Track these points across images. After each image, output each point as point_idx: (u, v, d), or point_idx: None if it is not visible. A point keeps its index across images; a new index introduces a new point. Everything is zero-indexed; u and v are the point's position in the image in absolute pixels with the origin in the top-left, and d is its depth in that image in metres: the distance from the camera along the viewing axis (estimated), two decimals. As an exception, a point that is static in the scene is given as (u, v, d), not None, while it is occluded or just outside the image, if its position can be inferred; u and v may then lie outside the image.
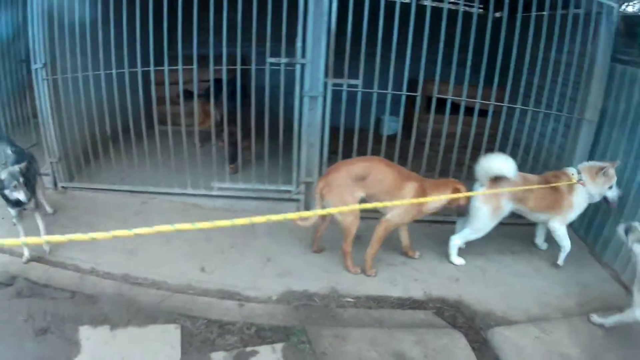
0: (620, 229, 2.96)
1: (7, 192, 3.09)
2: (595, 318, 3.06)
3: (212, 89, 4.39)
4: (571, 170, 3.53)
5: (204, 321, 2.80)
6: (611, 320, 2.96)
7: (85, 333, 2.63)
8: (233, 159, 4.38)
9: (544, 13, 3.85)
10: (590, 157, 4.07)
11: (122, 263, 3.29)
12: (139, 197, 4.14)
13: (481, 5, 4.39)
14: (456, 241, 3.62)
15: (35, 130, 4.57)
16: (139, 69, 4.00)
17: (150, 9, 3.72)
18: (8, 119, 5.09)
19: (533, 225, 3.89)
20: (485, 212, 3.43)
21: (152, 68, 3.90)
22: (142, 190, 4.14)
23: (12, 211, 3.23)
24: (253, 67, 3.82)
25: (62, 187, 4.20)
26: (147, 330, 2.70)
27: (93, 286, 3.09)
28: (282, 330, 2.80)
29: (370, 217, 3.53)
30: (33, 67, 4.01)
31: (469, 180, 3.72)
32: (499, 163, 3.28)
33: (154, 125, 4.14)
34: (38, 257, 3.36)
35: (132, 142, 4.15)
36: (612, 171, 3.41)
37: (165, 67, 3.87)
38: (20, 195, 3.07)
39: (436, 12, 3.73)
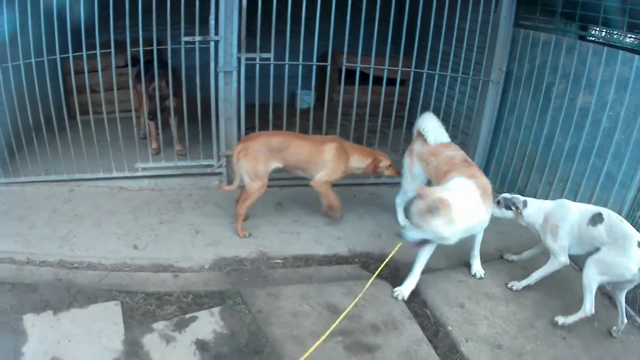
0: (499, 212, 3.18)
1: None
2: (508, 256, 3.52)
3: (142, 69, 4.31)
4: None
5: (142, 295, 2.95)
6: (524, 255, 3.43)
7: (30, 321, 2.66)
8: (153, 114, 4.35)
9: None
10: (499, 116, 4.48)
11: (56, 250, 3.36)
12: (66, 186, 4.17)
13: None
14: (398, 200, 3.92)
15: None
16: (58, 57, 3.93)
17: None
18: None
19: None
20: (405, 167, 3.74)
21: (70, 55, 3.86)
22: (68, 179, 4.15)
23: None
24: (169, 47, 3.88)
25: (-14, 183, 4.13)
26: (89, 310, 2.80)
27: (31, 275, 3.13)
28: (218, 295, 3.01)
29: (291, 184, 3.72)
30: None
31: (382, 147, 4.01)
32: (431, 126, 3.54)
33: (76, 115, 4.11)
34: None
35: (55, 133, 4.12)
36: None
37: (84, 53, 3.81)
38: None
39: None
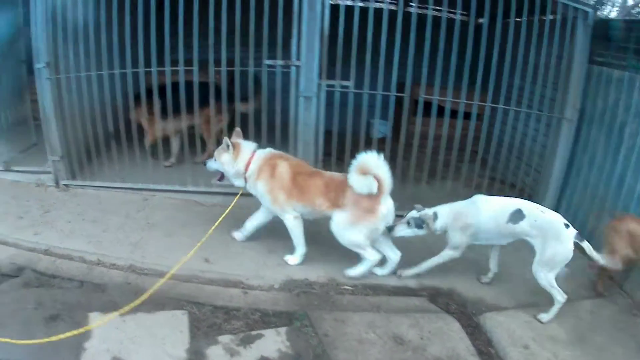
0: (403, 230, 3.24)
1: None
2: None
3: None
4: None
5: (210, 307, 2.94)
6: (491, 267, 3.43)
7: (96, 319, 2.70)
8: None
9: (523, 19, 4.07)
10: (572, 155, 4.32)
11: (127, 254, 3.41)
12: (140, 195, 4.28)
13: (464, 12, 4.62)
14: None
15: (35, 130, 4.66)
16: (141, 70, 4.13)
17: (153, 12, 3.86)
18: (8, 119, 5.15)
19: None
20: None
21: (153, 69, 4.05)
22: (143, 187, 4.28)
23: None
24: (251, 68, 4.00)
25: (64, 184, 4.31)
26: (156, 316, 2.81)
27: (101, 276, 3.19)
28: (285, 315, 2.96)
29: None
30: (36, 66, 4.08)
31: (455, 182, 3.90)
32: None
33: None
34: (44, 250, 3.45)
35: (133, 141, 4.27)
36: None
37: (167, 68, 4.00)
38: None
39: (422, 19, 3.94)
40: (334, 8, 3.81)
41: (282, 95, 4.05)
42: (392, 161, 4.01)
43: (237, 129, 3.53)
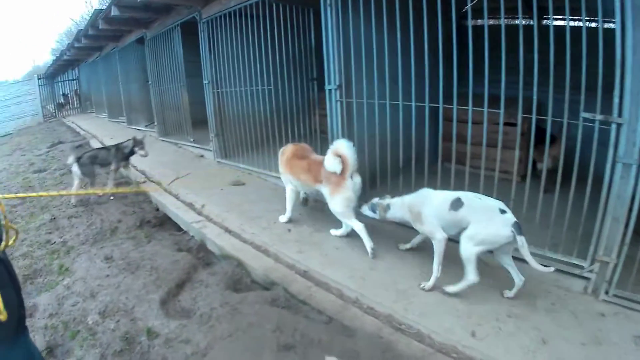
0: (366, 210, 3.54)
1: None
2: (402, 246, 3.65)
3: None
4: None
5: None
6: (414, 241, 3.60)
7: None
8: None
9: None
10: None
11: (390, 303, 2.92)
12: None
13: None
14: None
15: (322, 143, 4.74)
16: (426, 104, 3.79)
17: (440, 44, 3.48)
18: (297, 130, 5.58)
19: None
20: None
21: (440, 105, 3.65)
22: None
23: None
24: (565, 120, 3.12)
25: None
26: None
27: (353, 318, 2.80)
28: None
29: None
30: (327, 87, 4.21)
31: None
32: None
33: (437, 161, 3.83)
34: (303, 271, 3.29)
35: (411, 176, 3.91)
36: None
37: (454, 106, 3.53)
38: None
39: None
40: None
41: (586, 152, 3.05)
42: None
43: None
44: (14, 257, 3.96)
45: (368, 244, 3.50)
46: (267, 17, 5.24)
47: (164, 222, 4.82)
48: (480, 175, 3.52)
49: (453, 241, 3.06)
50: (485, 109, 3.40)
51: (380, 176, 4.34)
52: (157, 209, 5.18)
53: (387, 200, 3.42)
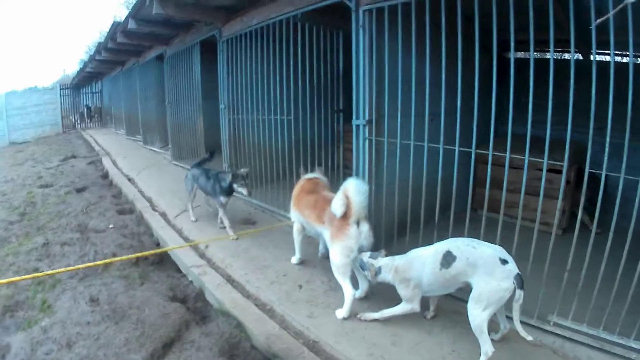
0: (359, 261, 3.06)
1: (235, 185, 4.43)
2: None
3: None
4: None
5: None
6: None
7: None
8: None
9: None
10: None
11: None
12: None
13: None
14: None
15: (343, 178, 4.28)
16: (456, 148, 3.27)
17: (476, 81, 3.05)
18: (327, 163, 5.07)
19: None
20: None
21: (473, 149, 3.18)
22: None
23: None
24: (621, 177, 2.59)
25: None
26: None
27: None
28: None
29: None
30: (355, 122, 3.79)
31: None
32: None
33: (472, 209, 3.31)
34: (312, 341, 2.76)
35: (435, 223, 3.41)
36: None
37: (490, 152, 3.08)
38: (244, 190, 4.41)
39: None
40: None
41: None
42: None
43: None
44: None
45: (346, 314, 3.03)
46: (291, 39, 4.80)
47: (164, 259, 4.35)
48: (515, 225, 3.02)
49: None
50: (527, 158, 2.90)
51: (411, 225, 3.79)
52: (158, 244, 4.71)
53: (380, 261, 2.99)
